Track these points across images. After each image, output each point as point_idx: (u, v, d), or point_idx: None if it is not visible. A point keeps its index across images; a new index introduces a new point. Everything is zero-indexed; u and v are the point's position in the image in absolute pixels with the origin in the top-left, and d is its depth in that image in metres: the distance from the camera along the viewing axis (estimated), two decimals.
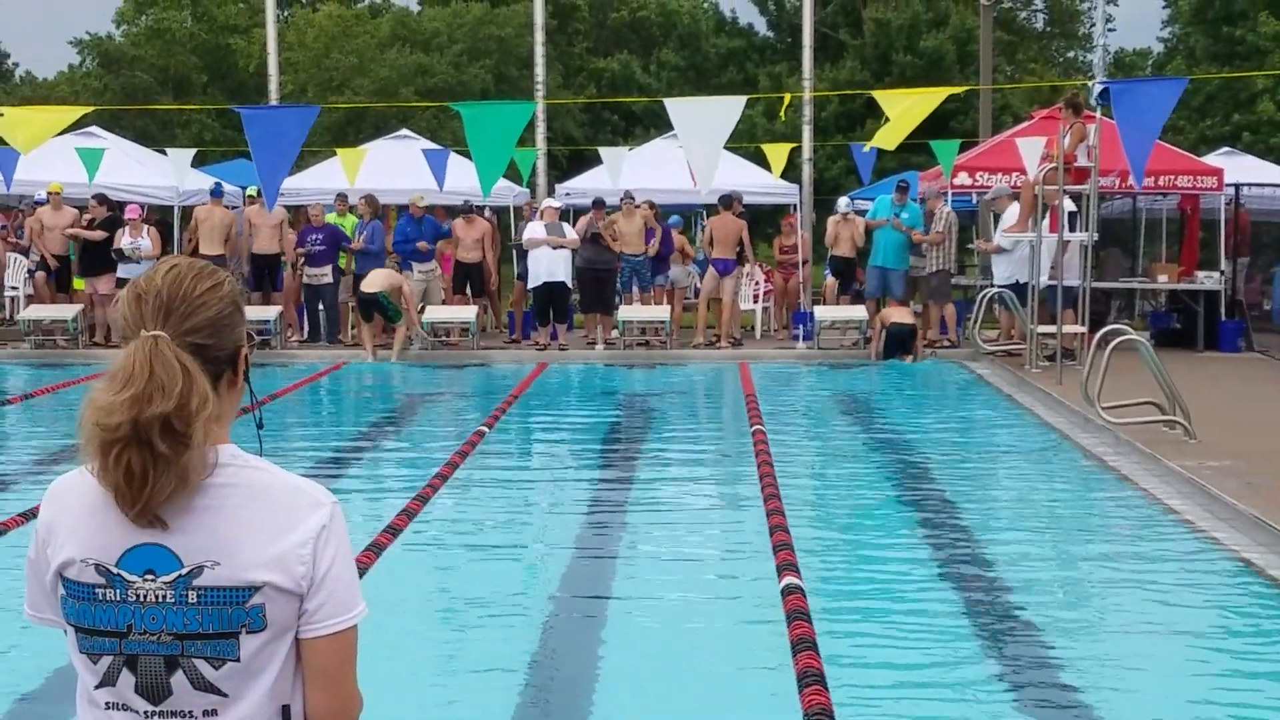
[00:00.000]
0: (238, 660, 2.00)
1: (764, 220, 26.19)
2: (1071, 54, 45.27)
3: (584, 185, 20.15)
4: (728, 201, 17.48)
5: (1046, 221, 14.49)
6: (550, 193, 19.46)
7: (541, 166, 19.80)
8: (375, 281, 16.12)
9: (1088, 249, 14.44)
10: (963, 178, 17.36)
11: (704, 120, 15.69)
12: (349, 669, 2.09)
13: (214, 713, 2.01)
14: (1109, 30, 40.08)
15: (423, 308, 17.21)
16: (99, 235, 17.30)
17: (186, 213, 19.09)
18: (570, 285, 17.30)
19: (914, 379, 15.15)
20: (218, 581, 1.98)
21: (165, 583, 1.98)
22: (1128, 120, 13.81)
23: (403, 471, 10.06)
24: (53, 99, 33.62)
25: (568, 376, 15.64)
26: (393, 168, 19.02)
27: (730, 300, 17.61)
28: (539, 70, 19.84)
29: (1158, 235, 21.60)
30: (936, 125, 21.08)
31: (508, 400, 12.88)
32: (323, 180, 19.74)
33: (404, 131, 22.69)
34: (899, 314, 16.34)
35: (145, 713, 2.02)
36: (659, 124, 25.91)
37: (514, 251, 18.52)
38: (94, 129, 20.86)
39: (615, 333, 17.42)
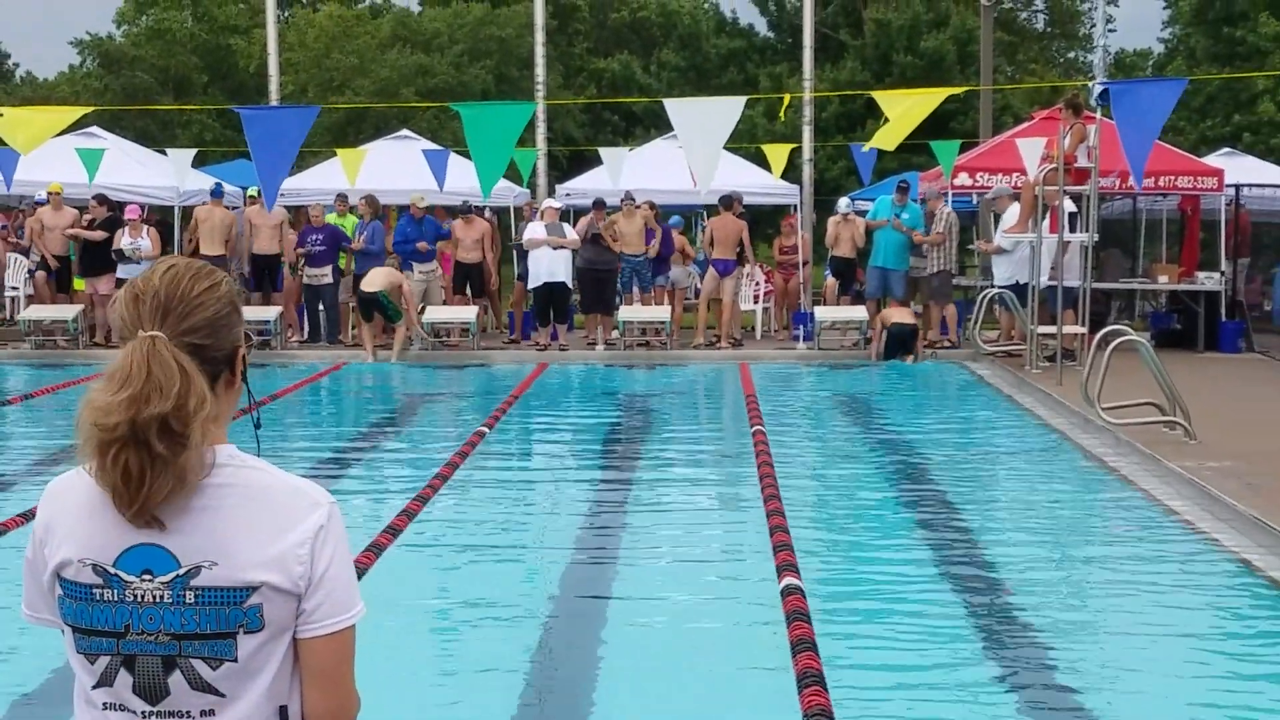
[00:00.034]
0: (235, 660, 2.00)
1: (764, 221, 26.19)
2: (1072, 54, 45.29)
3: (584, 186, 20.15)
4: (728, 202, 17.48)
5: (1047, 222, 14.49)
6: (550, 193, 19.46)
7: (542, 167, 19.80)
8: (375, 281, 16.12)
9: (1088, 250, 14.44)
10: (963, 178, 17.36)
11: (704, 121, 15.69)
12: (347, 669, 2.08)
13: (211, 713, 2.01)
14: (1109, 31, 40.07)
15: (423, 308, 17.21)
16: (99, 235, 17.31)
17: (187, 213, 19.10)
18: (570, 286, 17.30)
19: (914, 379, 15.15)
20: (215, 582, 1.97)
21: (163, 583, 1.98)
22: (1127, 121, 13.81)
23: (403, 472, 10.05)
24: (53, 99, 33.63)
25: (568, 377, 15.64)
26: (393, 168, 19.02)
27: (730, 301, 17.61)
28: (539, 71, 19.84)
29: (1158, 236, 21.61)
30: (937, 126, 21.08)
31: (508, 401, 12.88)
32: (323, 180, 19.74)
33: (404, 132, 22.69)
34: (900, 314, 16.34)
35: (143, 713, 2.02)
36: (659, 124, 25.90)
37: (514, 252, 18.52)
38: (94, 129, 20.86)
39: (615, 333, 17.42)
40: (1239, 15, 33.03)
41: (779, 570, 6.40)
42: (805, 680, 4.83)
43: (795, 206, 19.61)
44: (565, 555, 7.38)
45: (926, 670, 5.51)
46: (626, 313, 17.38)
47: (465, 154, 17.72)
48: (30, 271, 18.85)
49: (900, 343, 15.97)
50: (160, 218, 19.23)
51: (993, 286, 15.73)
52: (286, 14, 42.07)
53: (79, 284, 18.07)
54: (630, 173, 18.43)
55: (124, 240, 16.88)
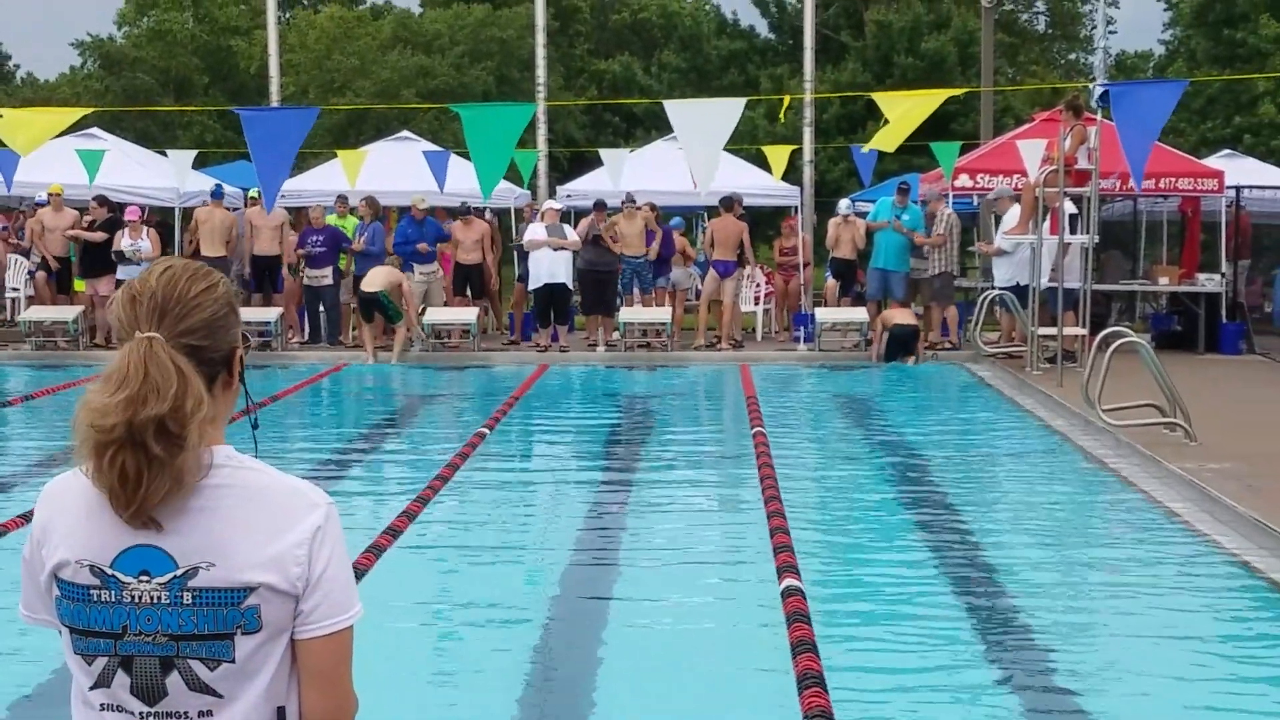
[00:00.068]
0: (233, 661, 1.99)
1: (764, 222, 26.19)
2: (1073, 56, 45.31)
3: (585, 187, 20.15)
4: (729, 203, 17.48)
5: (1047, 224, 14.49)
6: (551, 194, 19.47)
7: (543, 168, 19.80)
8: (376, 280, 16.11)
9: (1088, 251, 14.44)
10: (964, 180, 17.35)
11: (704, 122, 15.68)
12: (345, 670, 2.08)
13: (209, 714, 2.01)
14: (1110, 33, 40.13)
15: (424, 309, 17.21)
16: (100, 236, 17.31)
17: (187, 214, 19.10)
18: (571, 287, 17.30)
19: (915, 381, 15.14)
20: (213, 583, 1.97)
21: (160, 584, 1.97)
22: (1127, 122, 13.82)
23: (403, 473, 10.06)
24: (54, 100, 33.64)
25: (568, 378, 15.64)
26: (393, 169, 19.02)
27: (731, 302, 17.61)
28: (540, 72, 19.85)
29: (1159, 238, 21.60)
30: (937, 127, 21.06)
31: (508, 402, 12.87)
32: (324, 182, 19.74)
33: (405, 133, 22.70)
34: (902, 315, 16.34)
35: (140, 714, 2.01)
36: (660, 126, 25.89)
37: (515, 253, 18.52)
38: (95, 130, 20.87)
39: (616, 335, 17.42)
40: (1239, 17, 33.02)
41: (779, 571, 6.39)
42: (805, 682, 4.83)
43: (796, 208, 19.61)
44: (565, 556, 7.38)
45: (927, 672, 5.50)
46: (627, 314, 17.38)
47: (466, 155, 17.71)
48: (31, 272, 18.86)
49: (901, 344, 15.97)
50: (161, 219, 19.22)
51: (993, 288, 15.73)
52: (287, 15, 42.10)
53: (79, 285, 18.07)
54: (631, 174, 18.42)
55: (124, 241, 16.88)
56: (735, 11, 74.22)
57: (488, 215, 18.73)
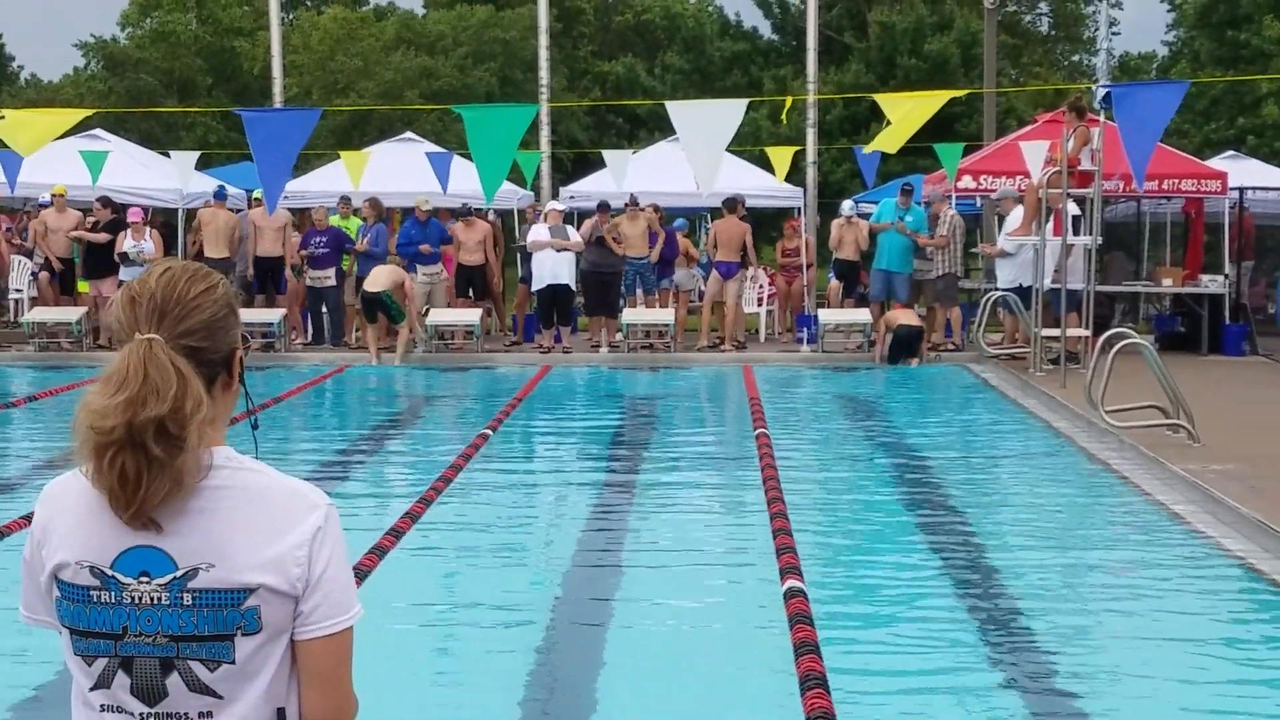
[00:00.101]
0: (233, 662, 2.00)
1: (767, 223, 26.20)
2: (1076, 57, 45.28)
3: (588, 188, 20.17)
4: (731, 205, 17.48)
5: (1050, 225, 14.48)
6: (554, 195, 19.48)
7: (546, 169, 19.81)
8: (379, 280, 16.11)
9: (1091, 252, 14.43)
10: (966, 181, 17.35)
11: (706, 124, 15.68)
12: (345, 671, 2.08)
13: (209, 715, 2.01)
14: (1113, 34, 40.11)
15: (427, 310, 17.21)
16: (103, 238, 17.33)
17: (191, 215, 19.12)
18: (574, 288, 17.30)
19: (918, 382, 15.13)
20: (213, 584, 1.97)
21: (160, 585, 1.97)
22: (1129, 124, 13.81)
23: (406, 474, 10.07)
24: (58, 101, 33.68)
25: (571, 379, 15.64)
26: (396, 171, 19.04)
27: (734, 303, 17.61)
28: (543, 73, 19.86)
29: (1162, 239, 21.59)
30: (941, 128, 21.06)
31: (511, 403, 12.88)
32: (327, 183, 19.76)
33: (408, 134, 22.72)
34: (906, 316, 16.33)
35: (140, 715, 2.02)
36: (663, 127, 25.88)
37: (518, 254, 18.52)
38: (98, 131, 20.90)
39: (619, 336, 17.42)
40: (1243, 18, 33.00)
41: (782, 573, 6.39)
42: (808, 683, 4.83)
43: (799, 209, 19.61)
44: (568, 557, 7.38)
45: (929, 674, 5.49)
46: (630, 315, 17.38)
47: (469, 156, 17.73)
48: (34, 273, 18.87)
49: (906, 345, 15.96)
50: (164, 220, 19.24)
51: (996, 289, 15.73)
52: (291, 16, 42.14)
53: (83, 286, 18.09)
54: (634, 175, 18.43)
55: (127, 243, 16.89)
56: (738, 13, 74.19)
57: (491, 216, 18.73)
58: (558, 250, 16.81)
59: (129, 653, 1.99)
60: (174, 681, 1.99)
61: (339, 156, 19.89)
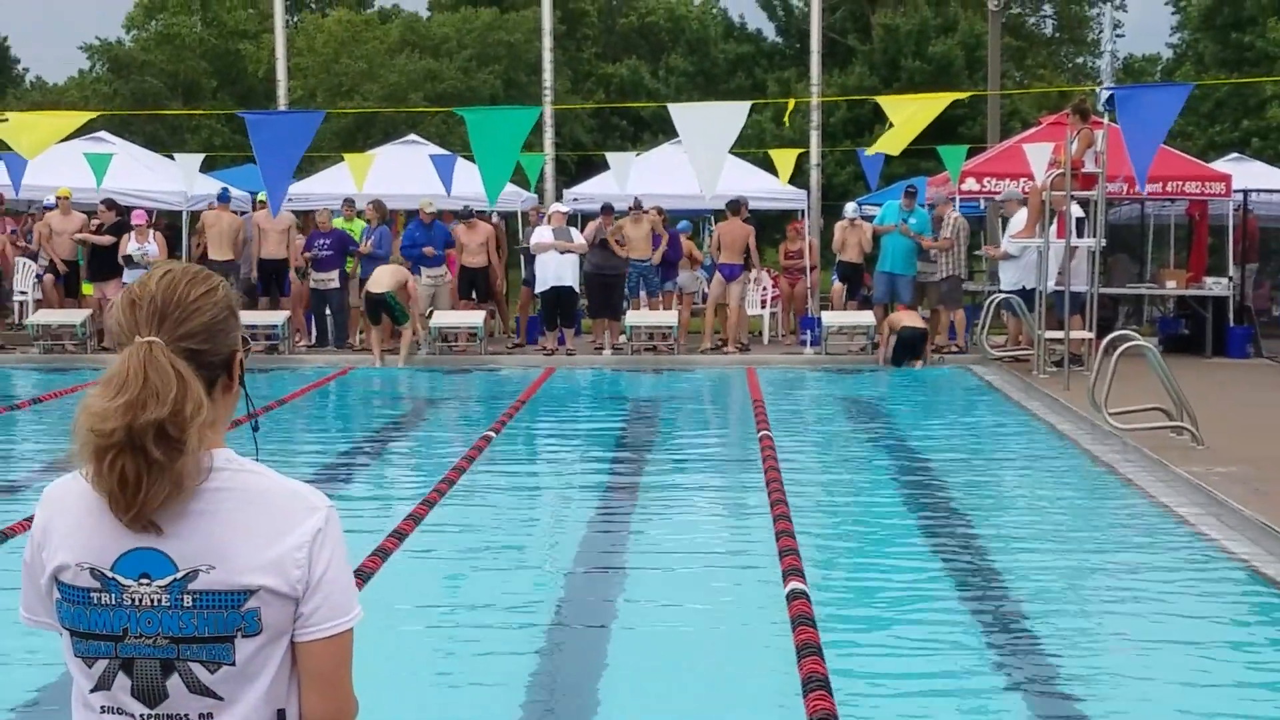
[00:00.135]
0: (233, 664, 2.00)
1: (771, 226, 26.21)
2: (1080, 60, 45.24)
3: (592, 190, 20.18)
4: (735, 207, 17.49)
5: (1054, 227, 14.47)
6: (558, 198, 19.50)
7: (550, 172, 19.84)
8: (382, 280, 16.10)
9: (1095, 255, 14.42)
10: (970, 183, 17.35)
11: (708, 126, 15.68)
12: (345, 672, 2.09)
13: (209, 716, 2.01)
14: (1117, 36, 40.10)
15: (430, 312, 17.22)
16: (107, 240, 17.36)
17: (195, 218, 19.14)
18: (578, 290, 17.31)
19: (921, 384, 15.13)
20: (213, 585, 1.98)
21: (160, 587, 1.98)
22: (1132, 126, 13.81)
23: (409, 477, 10.07)
24: (63, 104, 33.76)
25: (575, 381, 15.65)
26: (400, 173, 19.06)
27: (737, 306, 17.61)
28: (547, 75, 19.89)
29: (1166, 241, 21.56)
30: (944, 130, 21.08)
31: (515, 406, 12.88)
32: (331, 185, 19.78)
33: (412, 137, 22.74)
34: (910, 318, 16.32)
35: (141, 716, 2.02)
36: (667, 129, 25.91)
37: (521, 256, 18.53)
38: (103, 134, 20.93)
39: (623, 338, 17.42)
40: (1248, 20, 33.00)
41: (785, 574, 6.39)
42: (811, 684, 4.83)
43: (802, 211, 19.61)
44: (570, 559, 7.38)
45: (932, 677, 5.49)
46: (634, 317, 17.39)
47: (473, 159, 17.75)
48: (38, 276, 18.89)
49: (910, 347, 15.95)
50: (169, 222, 19.27)
51: (1000, 291, 15.72)
52: (295, 19, 42.18)
53: (87, 288, 18.12)
54: (638, 178, 18.44)
55: (131, 245, 16.92)
56: (743, 15, 74.22)
57: (494, 218, 18.75)
58: (561, 252, 16.82)
59: (129, 654, 2.00)
60: (174, 683, 2.00)
61: (343, 159, 19.92)
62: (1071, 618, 6.37)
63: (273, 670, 2.02)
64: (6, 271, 18.71)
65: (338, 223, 17.63)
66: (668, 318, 17.43)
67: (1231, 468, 9.04)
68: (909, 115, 16.74)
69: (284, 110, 19.71)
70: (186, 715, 2.01)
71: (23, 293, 19.48)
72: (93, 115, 19.47)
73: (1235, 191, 17.73)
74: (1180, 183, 17.29)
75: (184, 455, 1.94)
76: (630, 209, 17.42)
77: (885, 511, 8.73)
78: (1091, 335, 14.02)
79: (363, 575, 6.33)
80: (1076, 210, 14.84)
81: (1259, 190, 19.69)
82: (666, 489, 9.53)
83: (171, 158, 20.95)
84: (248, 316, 16.47)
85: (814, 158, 19.38)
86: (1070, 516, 8.74)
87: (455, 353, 17.16)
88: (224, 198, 17.83)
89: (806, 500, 8.66)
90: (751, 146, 24.30)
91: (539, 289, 17.11)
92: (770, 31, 44.01)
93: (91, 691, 2.03)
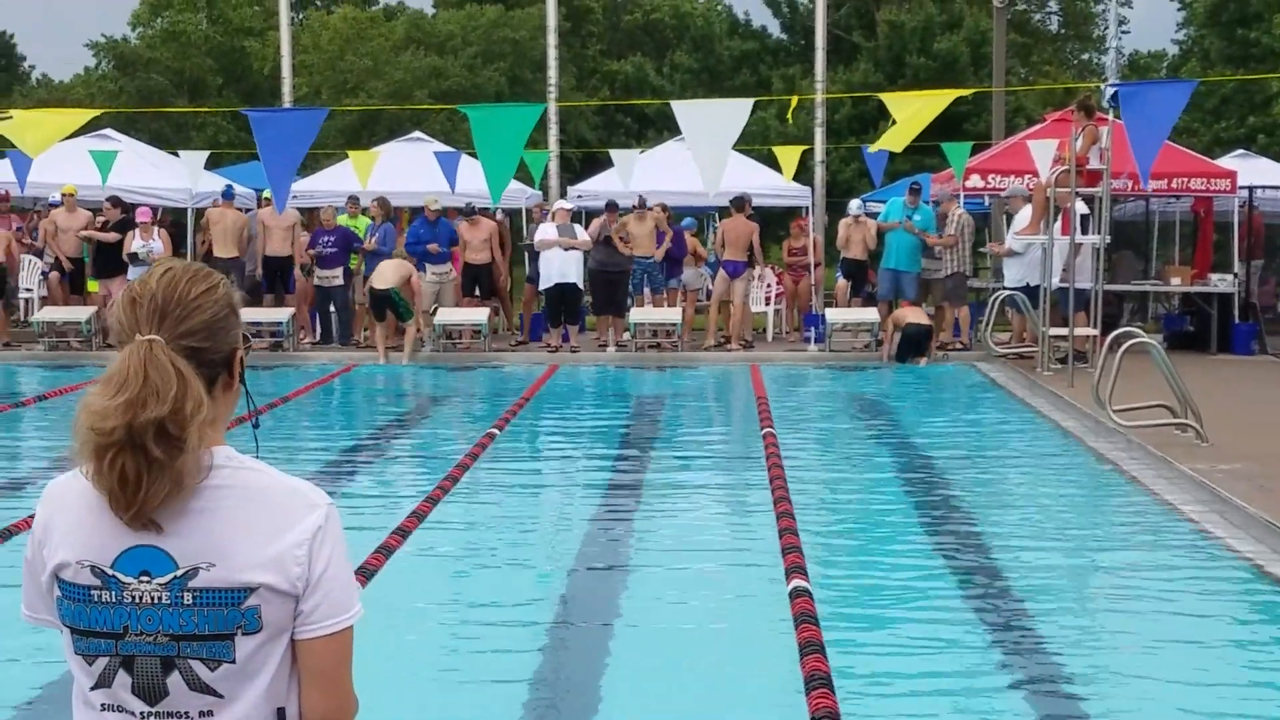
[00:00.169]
0: (233, 662, 2.00)
1: (775, 222, 26.19)
2: (1085, 56, 45.20)
3: (596, 187, 20.17)
4: (739, 204, 17.48)
5: (1058, 224, 14.46)
6: (562, 195, 19.49)
7: (554, 168, 19.84)
8: (387, 276, 16.10)
9: (1100, 251, 14.41)
10: (975, 180, 17.33)
11: (711, 123, 15.67)
12: (345, 670, 2.09)
13: (210, 714, 2.02)
14: (1123, 33, 40.03)
15: (435, 309, 17.23)
16: (112, 237, 17.38)
17: (200, 215, 19.17)
18: (582, 287, 17.31)
19: (926, 381, 15.12)
20: (213, 583, 1.98)
21: (161, 584, 1.98)
22: (1137, 122, 13.80)
23: (413, 474, 10.08)
24: (68, 101, 33.78)
25: (579, 379, 15.65)
26: (405, 170, 19.05)
27: (741, 303, 17.60)
28: (552, 72, 19.89)
29: (1171, 238, 21.55)
30: (949, 127, 21.07)
31: (519, 402, 12.89)
32: (335, 182, 19.79)
33: (417, 134, 22.74)
34: (915, 315, 16.31)
35: (141, 714, 2.02)
36: (672, 126, 25.88)
37: (525, 253, 18.53)
38: (108, 131, 20.95)
39: (626, 335, 17.43)
40: (1253, 17, 32.94)
41: (787, 572, 6.39)
42: (813, 683, 4.83)
43: (807, 208, 19.60)
44: (573, 556, 7.38)
45: (935, 675, 5.48)
46: (638, 314, 17.39)
47: (477, 156, 17.75)
48: (44, 273, 18.92)
49: (914, 344, 15.95)
50: (174, 220, 19.29)
51: (1004, 288, 15.70)
52: (301, 16, 42.20)
53: (92, 285, 18.14)
54: (642, 174, 18.43)
55: (136, 242, 16.94)
56: (747, 12, 74.29)
57: (498, 215, 18.74)
58: (565, 249, 16.82)
59: (130, 652, 2.00)
60: (174, 680, 2.00)
61: (347, 156, 19.92)
62: (1074, 616, 6.37)
63: (273, 668, 2.03)
64: (12, 269, 18.73)
65: (342, 220, 17.63)
66: (672, 315, 17.43)
67: (1236, 465, 9.03)
68: (913, 112, 16.74)
69: (289, 107, 19.71)
70: (187, 713, 2.02)
71: (28, 290, 19.52)
72: (98, 113, 19.50)
73: (1240, 188, 17.70)
74: (1185, 179, 17.27)
75: (184, 453, 1.94)
76: (635, 208, 17.41)
77: (888, 509, 8.73)
78: (1096, 332, 14.00)
79: (366, 573, 6.33)
80: (1081, 207, 14.83)
81: (1264, 186, 19.67)
82: (670, 486, 9.53)
83: (176, 155, 20.97)
84: (252, 314, 16.50)
85: (818, 154, 19.37)
86: (1074, 514, 8.74)
87: (459, 350, 17.17)
88: (228, 195, 17.84)
89: (809, 498, 8.66)
90: (756, 143, 24.29)
91: (543, 286, 17.12)
92: (775, 28, 44.04)
93: (92, 689, 2.04)
